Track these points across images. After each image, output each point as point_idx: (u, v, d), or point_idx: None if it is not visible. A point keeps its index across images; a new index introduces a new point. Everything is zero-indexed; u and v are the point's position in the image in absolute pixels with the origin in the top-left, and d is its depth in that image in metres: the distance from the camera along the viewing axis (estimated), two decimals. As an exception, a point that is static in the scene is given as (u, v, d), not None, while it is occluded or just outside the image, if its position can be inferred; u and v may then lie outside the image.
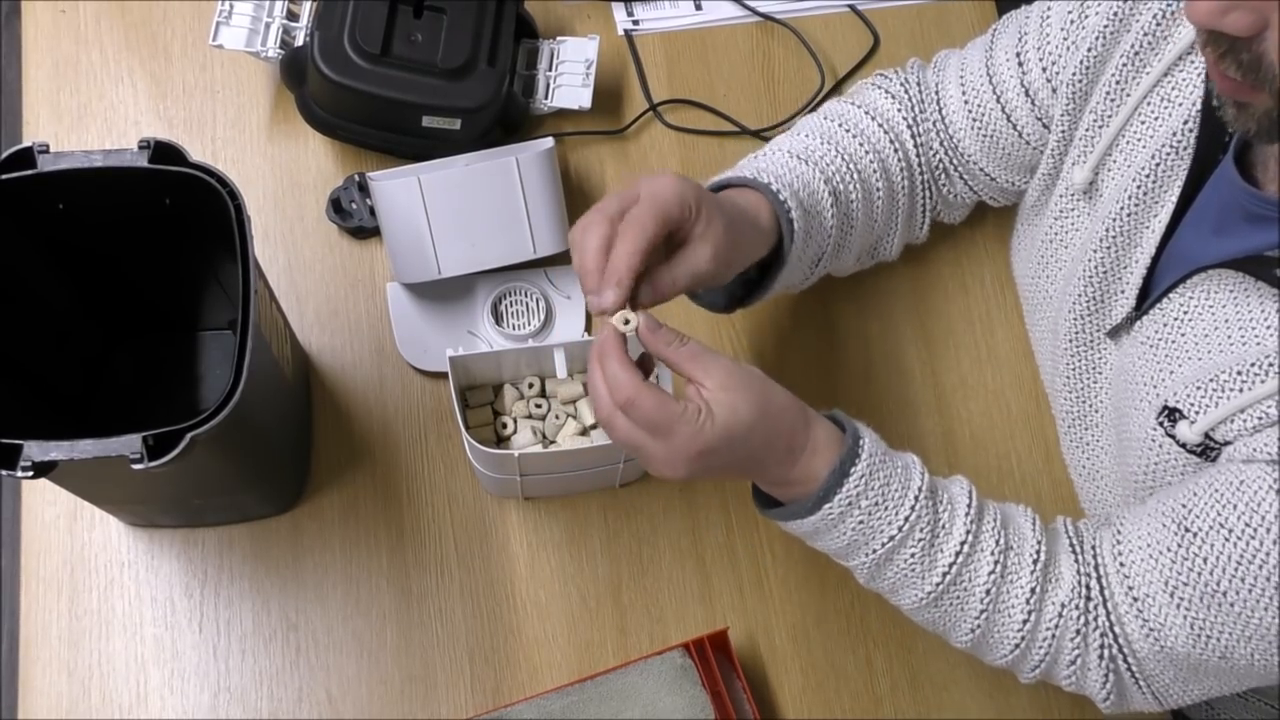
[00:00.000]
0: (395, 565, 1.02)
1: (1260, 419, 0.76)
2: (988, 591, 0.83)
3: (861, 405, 1.09)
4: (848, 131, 0.99)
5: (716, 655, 0.96)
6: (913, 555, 0.82)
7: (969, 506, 0.83)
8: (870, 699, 1.02)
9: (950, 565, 0.82)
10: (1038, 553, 0.83)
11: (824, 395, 1.09)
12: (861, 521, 0.81)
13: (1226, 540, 0.75)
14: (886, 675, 1.02)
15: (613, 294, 0.77)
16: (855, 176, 0.96)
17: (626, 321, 0.77)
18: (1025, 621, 0.83)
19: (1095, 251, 0.91)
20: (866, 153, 0.98)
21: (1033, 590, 0.83)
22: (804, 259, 0.94)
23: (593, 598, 1.02)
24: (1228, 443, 0.79)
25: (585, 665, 1.00)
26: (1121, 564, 0.82)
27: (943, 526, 0.82)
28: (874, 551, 0.82)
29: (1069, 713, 1.02)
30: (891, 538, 0.81)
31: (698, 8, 1.22)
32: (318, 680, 0.99)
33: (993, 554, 0.82)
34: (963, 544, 0.82)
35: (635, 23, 1.21)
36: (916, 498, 0.81)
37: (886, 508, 0.81)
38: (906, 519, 0.81)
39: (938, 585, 0.83)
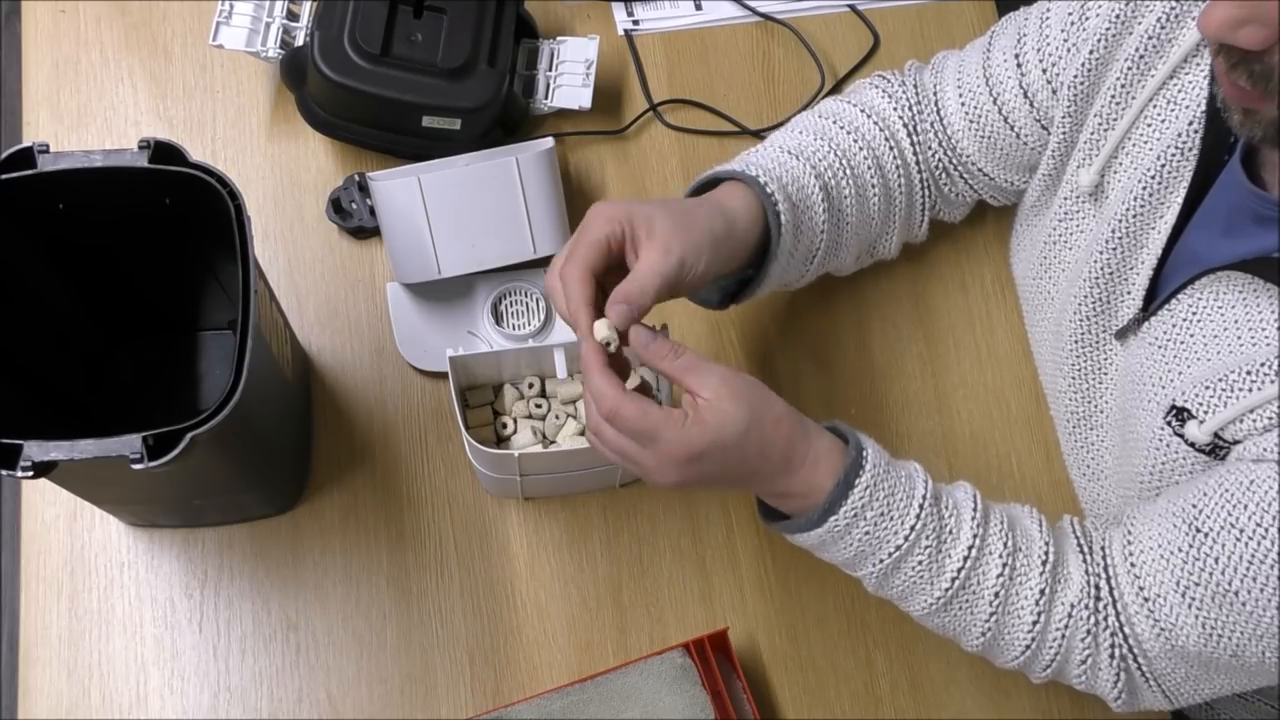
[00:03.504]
0: (395, 565, 1.02)
1: (1270, 419, 0.76)
2: (996, 594, 0.83)
3: (861, 405, 1.09)
4: (842, 128, 0.99)
5: (716, 655, 0.96)
6: (920, 563, 0.83)
7: (974, 511, 0.84)
8: (870, 699, 1.02)
9: (959, 570, 0.83)
10: (1046, 554, 0.84)
11: (824, 395, 1.09)
12: (868, 532, 0.82)
13: (1237, 540, 0.75)
14: (886, 675, 1.02)
15: (582, 319, 0.80)
16: (849, 172, 0.96)
17: (607, 341, 0.79)
18: (1035, 622, 0.83)
19: (1101, 253, 0.91)
20: (860, 149, 0.98)
21: (1042, 591, 0.83)
22: (796, 254, 0.94)
23: (593, 598, 1.02)
24: (1237, 441, 0.79)
25: (585, 665, 1.00)
26: (1132, 564, 0.82)
27: (949, 532, 0.83)
28: (881, 561, 0.83)
29: (1069, 713, 1.02)
30: (898, 547, 0.82)
31: (698, 8, 1.22)
32: (318, 680, 0.99)
33: (1000, 556, 0.83)
34: (970, 548, 0.83)
35: (635, 23, 1.21)
36: (922, 506, 0.82)
37: (892, 518, 0.82)
38: (913, 528, 0.82)
39: (946, 590, 0.83)
